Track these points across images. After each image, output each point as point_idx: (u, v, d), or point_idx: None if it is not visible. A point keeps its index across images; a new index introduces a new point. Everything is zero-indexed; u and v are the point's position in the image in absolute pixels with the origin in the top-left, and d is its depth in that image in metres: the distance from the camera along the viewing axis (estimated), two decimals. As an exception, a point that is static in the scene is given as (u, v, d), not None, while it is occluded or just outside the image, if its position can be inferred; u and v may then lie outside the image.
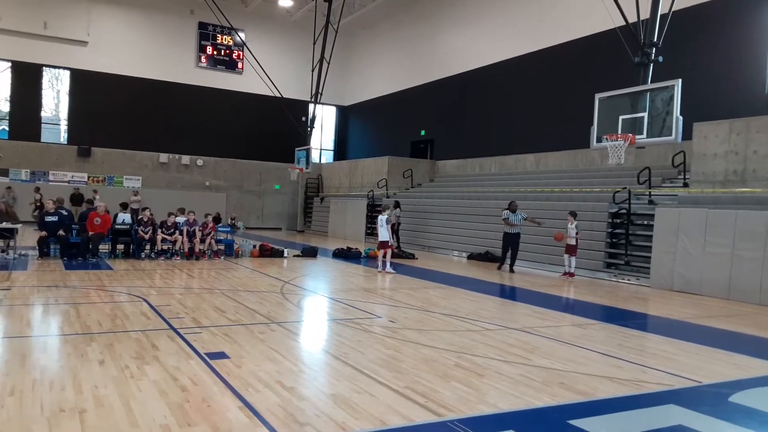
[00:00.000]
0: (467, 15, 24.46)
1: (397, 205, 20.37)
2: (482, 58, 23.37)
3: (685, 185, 14.06)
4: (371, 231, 24.01)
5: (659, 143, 12.92)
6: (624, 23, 13.84)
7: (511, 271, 14.35)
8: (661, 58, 13.56)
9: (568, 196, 16.41)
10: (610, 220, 14.33)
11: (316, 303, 9.60)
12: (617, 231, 14.20)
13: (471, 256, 17.25)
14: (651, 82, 13.12)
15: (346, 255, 16.53)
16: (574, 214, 13.59)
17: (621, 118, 12.74)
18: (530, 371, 5.50)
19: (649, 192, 14.35)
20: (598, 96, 13.33)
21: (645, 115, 12.37)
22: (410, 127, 27.77)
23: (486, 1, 23.53)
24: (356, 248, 17.41)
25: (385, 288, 11.09)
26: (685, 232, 11.94)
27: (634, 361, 6.08)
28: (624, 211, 13.93)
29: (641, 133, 12.36)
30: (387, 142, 29.11)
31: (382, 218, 13.64)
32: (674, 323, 8.74)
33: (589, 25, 18.23)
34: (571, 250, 13.54)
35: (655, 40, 13.55)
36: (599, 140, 13.13)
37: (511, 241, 14.43)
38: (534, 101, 20.84)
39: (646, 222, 13.48)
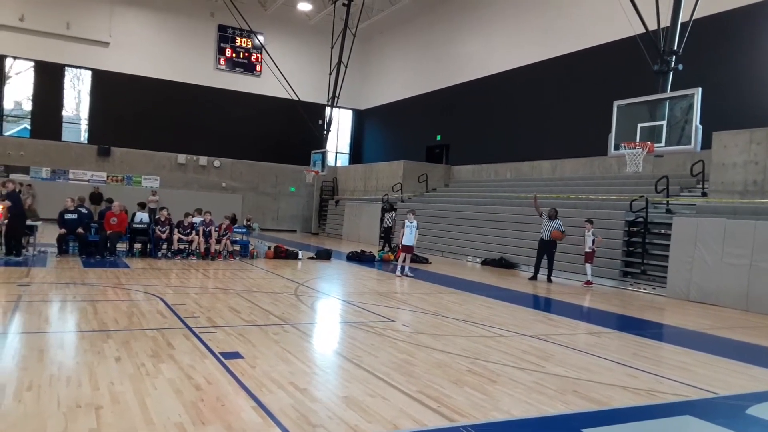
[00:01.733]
0: (484, 21, 24.45)
1: (392, 208, 20.61)
2: (499, 63, 23.33)
3: (704, 195, 13.90)
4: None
5: (678, 152, 12.79)
6: (644, 31, 13.74)
7: (549, 281, 13.80)
8: (681, 66, 13.44)
9: (584, 204, 16.30)
10: (626, 229, 14.21)
11: (330, 305, 9.63)
12: (634, 240, 14.08)
13: (485, 262, 17.19)
14: (670, 91, 13.00)
15: (359, 258, 16.56)
16: (591, 222, 13.49)
17: (639, 125, 12.63)
18: (544, 379, 5.46)
19: (667, 201, 14.21)
20: (616, 103, 13.24)
21: (664, 123, 12.25)
22: (426, 131, 27.77)
23: (503, 7, 23.50)
24: (370, 251, 17.43)
25: (399, 292, 11.08)
26: (703, 242, 11.80)
27: (650, 371, 6.01)
28: (641, 219, 13.81)
29: (659, 142, 12.24)
30: (402, 147, 29.15)
31: (411, 223, 13.49)
32: (690, 333, 8.63)
33: (609, 32, 18.12)
34: (588, 257, 13.46)
35: (675, 48, 13.44)
36: (617, 148, 13.02)
37: (547, 249, 13.77)
38: (551, 107, 20.75)
39: (663, 231, 13.35)
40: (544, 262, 13.88)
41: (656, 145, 12.26)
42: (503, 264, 16.49)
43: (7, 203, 11.64)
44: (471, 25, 25.24)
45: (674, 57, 13.45)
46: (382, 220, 22.41)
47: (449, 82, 26.21)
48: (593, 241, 13.32)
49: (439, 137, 27.02)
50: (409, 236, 13.49)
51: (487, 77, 23.98)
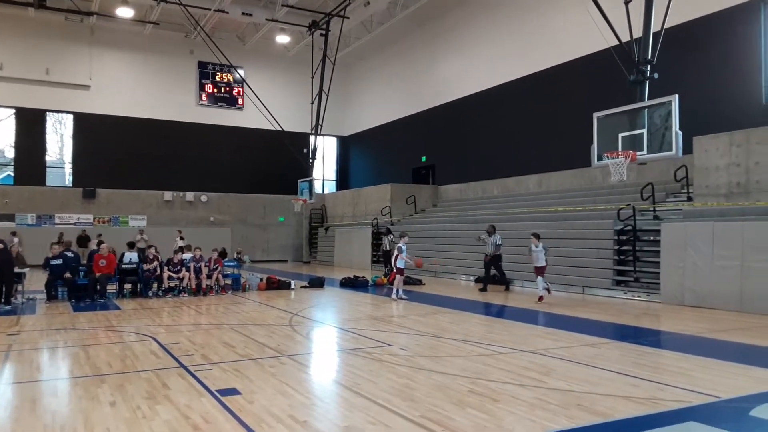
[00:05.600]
0: (462, 42, 24.82)
1: (389, 231, 20.66)
2: (479, 83, 23.64)
3: (689, 199, 14.04)
4: (377, 259, 23.99)
5: (660, 159, 12.92)
6: (617, 42, 14.01)
7: (507, 289, 15.26)
8: (656, 75, 13.68)
9: (572, 215, 16.40)
10: (616, 238, 14.29)
11: (326, 334, 9.54)
12: (624, 248, 14.15)
13: (478, 280, 17.15)
14: (648, 99, 13.21)
15: (353, 284, 16.48)
16: (537, 236, 12.88)
17: (620, 135, 12.79)
18: (546, 394, 5.42)
19: (654, 207, 14.34)
20: (596, 115, 13.42)
21: (644, 131, 12.42)
22: (411, 153, 27.94)
23: (480, 27, 23.90)
24: (363, 277, 17.35)
25: (395, 315, 11.01)
26: (693, 246, 11.88)
27: (651, 379, 5.99)
28: (630, 227, 13.90)
29: (641, 150, 12.39)
30: (388, 170, 29.27)
31: (402, 246, 13.74)
32: (688, 338, 8.63)
33: (585, 46, 18.45)
34: (539, 271, 12.76)
35: (650, 57, 13.69)
36: (600, 158, 13.16)
37: (493, 263, 15.20)
38: (533, 123, 20.99)
39: (652, 238, 13.44)
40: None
41: (638, 153, 12.40)
42: (496, 281, 16.45)
43: None
44: (450, 46, 25.61)
45: (649, 66, 13.68)
46: (380, 244, 22.39)
47: (432, 103, 26.48)
48: (545, 253, 12.67)
49: (424, 158, 27.20)
50: (400, 260, 13.57)
51: (469, 96, 24.26)
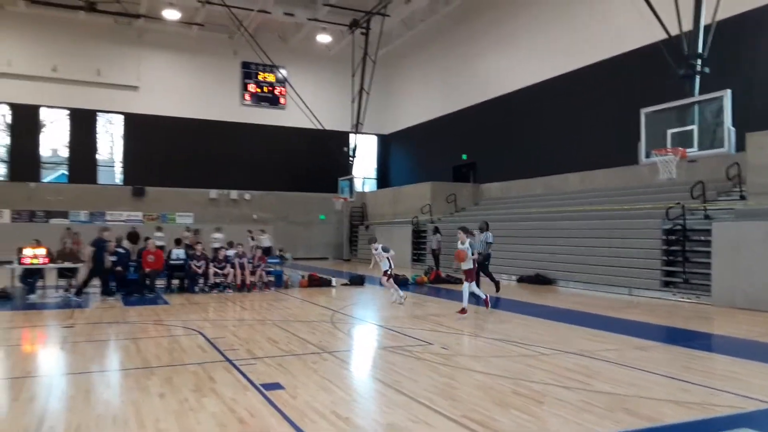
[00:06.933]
0: (505, 36, 24.50)
1: (437, 230, 20.73)
2: (523, 78, 23.28)
3: (742, 198, 13.50)
4: (417, 257, 23.97)
5: (712, 156, 12.47)
6: (666, 36, 13.58)
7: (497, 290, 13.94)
8: (707, 69, 13.20)
9: (618, 214, 15.99)
10: (664, 237, 13.86)
11: (367, 331, 9.59)
12: (673, 248, 13.72)
13: (521, 279, 16.94)
14: (699, 94, 12.77)
15: (394, 282, 16.45)
16: (466, 230, 10.60)
17: (669, 132, 12.41)
18: (591, 397, 5.31)
19: (705, 206, 13.84)
20: (643, 111, 13.05)
21: (694, 127, 12.02)
22: (452, 151, 27.76)
23: (522, 23, 23.54)
24: (403, 275, 17.34)
25: (435, 314, 10.98)
26: (747, 246, 11.42)
27: (702, 384, 5.80)
28: (679, 227, 13.46)
29: (692, 147, 11.99)
30: (429, 168, 29.18)
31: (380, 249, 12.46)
32: (741, 342, 8.31)
33: (630, 40, 17.95)
34: (468, 275, 10.35)
35: (700, 51, 13.22)
36: (648, 155, 12.80)
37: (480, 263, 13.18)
38: (578, 119, 20.55)
39: (702, 238, 12.97)
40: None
41: (688, 150, 12.01)
42: (540, 280, 16.22)
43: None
44: (492, 42, 25.31)
45: (700, 60, 13.22)
46: (420, 242, 22.44)
47: (473, 100, 26.24)
48: (472, 253, 10.42)
49: (465, 156, 26.97)
50: (384, 262, 12.32)
51: (511, 93, 23.92)
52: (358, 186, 31.19)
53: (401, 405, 5.04)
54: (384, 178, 34.50)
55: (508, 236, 18.97)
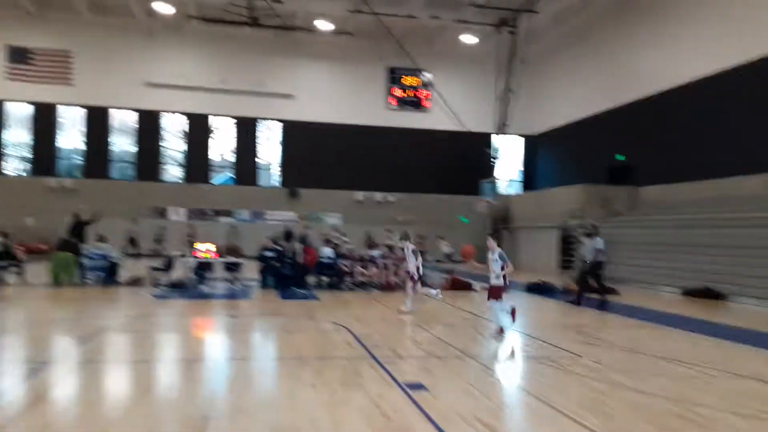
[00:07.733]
0: (663, 29, 22.47)
1: (591, 234, 19.45)
2: (685, 73, 21.16)
3: None
4: (567, 264, 22.85)
5: None
6: None
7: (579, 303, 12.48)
8: None
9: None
10: None
11: (511, 338, 9.33)
12: None
13: (687, 292, 15.34)
14: None
15: (540, 289, 15.90)
16: (495, 238, 9.37)
17: None
18: (772, 429, 4.67)
19: None
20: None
21: None
22: (606, 152, 26.06)
23: (684, 11, 21.42)
24: (551, 282, 16.65)
25: (586, 325, 10.38)
26: None
27: None
28: None
29: None
30: (579, 170, 27.67)
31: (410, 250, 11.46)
32: None
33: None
34: (495, 293, 8.96)
35: None
36: None
37: (591, 271, 12.53)
38: (758, 114, 18.21)
39: None
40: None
41: None
42: (709, 294, 14.57)
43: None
44: (650, 33, 23.38)
45: None
46: (568, 248, 21.27)
47: (630, 97, 24.40)
48: (502, 267, 8.83)
49: (622, 157, 25.17)
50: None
51: (674, 88, 21.88)
52: (501, 188, 30.56)
53: (547, 417, 4.83)
54: (529, 181, 33.44)
55: (669, 244, 17.42)
